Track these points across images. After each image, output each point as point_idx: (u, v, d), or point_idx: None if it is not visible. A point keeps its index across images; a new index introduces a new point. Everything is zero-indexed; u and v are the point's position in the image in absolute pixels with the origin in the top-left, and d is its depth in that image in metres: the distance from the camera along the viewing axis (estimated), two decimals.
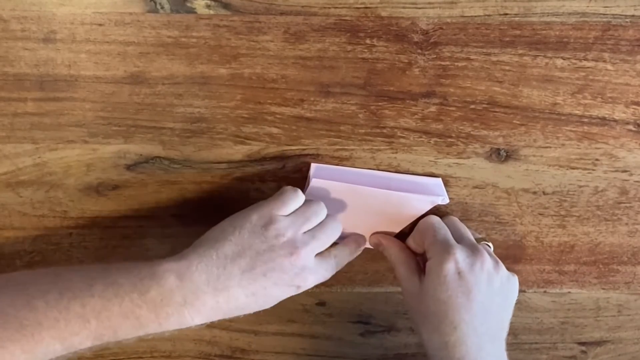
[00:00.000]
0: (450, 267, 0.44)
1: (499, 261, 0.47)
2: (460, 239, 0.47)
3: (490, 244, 0.50)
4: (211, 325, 0.54)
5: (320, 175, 0.47)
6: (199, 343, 0.55)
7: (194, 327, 0.41)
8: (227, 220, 0.44)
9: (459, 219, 0.51)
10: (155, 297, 0.39)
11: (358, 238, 0.50)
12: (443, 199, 0.48)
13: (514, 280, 0.47)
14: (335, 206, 0.48)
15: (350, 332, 0.57)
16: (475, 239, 0.48)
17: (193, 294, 0.40)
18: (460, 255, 0.45)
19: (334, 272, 0.46)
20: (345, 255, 0.48)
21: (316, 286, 0.54)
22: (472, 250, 0.45)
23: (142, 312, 0.39)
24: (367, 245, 0.51)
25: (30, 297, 0.38)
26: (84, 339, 0.38)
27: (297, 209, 0.45)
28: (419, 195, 0.47)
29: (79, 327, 0.38)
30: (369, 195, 0.47)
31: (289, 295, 0.43)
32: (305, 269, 0.42)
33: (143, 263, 0.40)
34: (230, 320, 0.53)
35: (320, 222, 0.45)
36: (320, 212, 0.45)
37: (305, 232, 0.43)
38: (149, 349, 0.54)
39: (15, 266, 0.51)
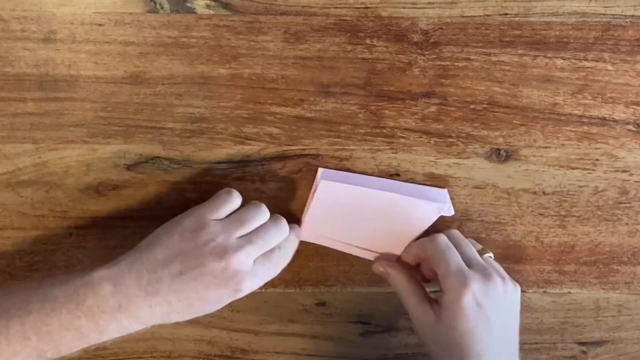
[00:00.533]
0: (469, 300, 0.44)
1: (505, 275, 0.47)
2: (469, 261, 0.46)
3: (491, 254, 0.49)
4: (211, 325, 0.54)
5: (328, 179, 0.47)
6: (199, 343, 0.55)
7: (135, 333, 0.41)
8: (161, 227, 0.44)
9: (460, 218, 0.51)
10: (92, 305, 0.39)
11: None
12: (449, 208, 0.48)
13: (518, 288, 0.47)
14: (343, 211, 0.48)
15: (350, 332, 0.57)
16: (479, 250, 0.48)
17: (127, 298, 0.40)
18: (476, 285, 0.44)
19: (280, 268, 0.46)
20: (293, 244, 0.48)
21: (316, 286, 0.54)
22: (484, 275, 0.45)
23: (81, 323, 0.39)
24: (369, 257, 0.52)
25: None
26: (26, 357, 0.39)
27: (233, 213, 0.44)
28: (426, 202, 0.47)
29: (20, 346, 0.38)
30: (377, 199, 0.47)
31: (231, 299, 0.43)
32: (239, 273, 0.42)
33: (78, 273, 0.41)
34: (231, 320, 0.53)
35: (261, 225, 0.44)
36: (259, 215, 0.44)
37: (240, 237, 0.43)
38: (148, 349, 0.54)
39: (15, 266, 0.51)
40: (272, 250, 0.45)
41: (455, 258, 0.46)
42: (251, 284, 0.43)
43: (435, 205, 0.47)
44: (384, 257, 0.51)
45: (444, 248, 0.46)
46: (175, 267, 0.41)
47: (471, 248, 0.48)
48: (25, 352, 0.38)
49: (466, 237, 0.49)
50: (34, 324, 0.38)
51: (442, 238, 0.47)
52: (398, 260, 0.51)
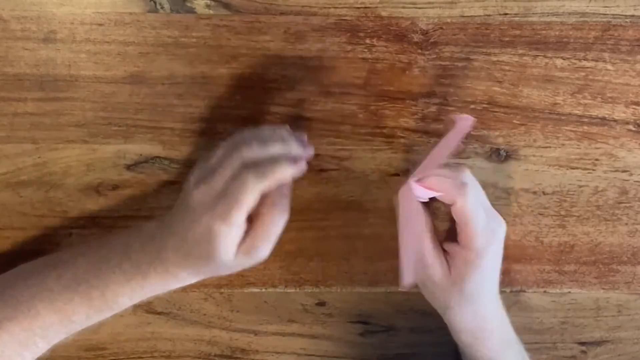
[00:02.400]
0: (497, 250, 0.43)
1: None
2: (486, 208, 0.43)
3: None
4: (211, 325, 0.54)
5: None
6: (198, 343, 0.55)
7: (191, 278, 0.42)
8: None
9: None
10: (137, 249, 0.41)
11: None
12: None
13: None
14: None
15: (350, 332, 0.57)
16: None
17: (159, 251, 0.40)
18: (502, 235, 0.43)
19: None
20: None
21: (316, 286, 0.54)
22: (498, 223, 0.43)
23: (126, 267, 0.41)
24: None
25: (27, 276, 0.42)
26: (77, 305, 0.41)
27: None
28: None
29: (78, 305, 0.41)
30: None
31: (223, 233, 0.38)
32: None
33: (137, 244, 0.42)
34: (231, 320, 0.53)
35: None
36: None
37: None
38: (148, 349, 0.54)
39: (15, 266, 0.51)
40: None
41: (482, 215, 0.42)
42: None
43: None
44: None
45: (473, 202, 0.42)
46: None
47: (483, 193, 0.44)
48: (75, 300, 0.41)
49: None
50: (86, 268, 0.41)
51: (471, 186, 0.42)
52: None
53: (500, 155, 0.49)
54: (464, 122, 0.42)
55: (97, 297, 0.41)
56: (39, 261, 0.44)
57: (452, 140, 0.43)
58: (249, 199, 0.37)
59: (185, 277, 0.41)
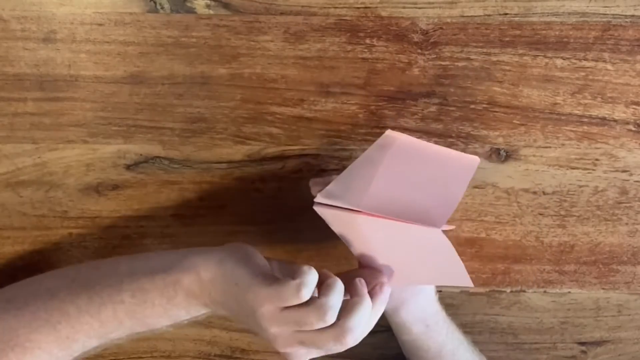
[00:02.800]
0: None
1: None
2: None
3: None
4: (211, 325, 0.54)
5: (326, 196, 0.41)
6: (198, 343, 0.55)
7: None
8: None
9: (461, 218, 0.51)
10: (181, 301, 0.40)
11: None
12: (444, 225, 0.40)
13: None
14: (409, 176, 0.42)
15: None
16: None
17: (213, 289, 0.39)
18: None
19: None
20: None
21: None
22: None
23: (173, 311, 0.40)
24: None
25: (61, 302, 0.41)
26: (120, 335, 0.42)
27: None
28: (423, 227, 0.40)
29: (113, 327, 0.41)
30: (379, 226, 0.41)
31: None
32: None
33: (163, 263, 0.41)
34: (231, 320, 0.53)
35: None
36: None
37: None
38: (149, 349, 0.54)
39: (15, 266, 0.51)
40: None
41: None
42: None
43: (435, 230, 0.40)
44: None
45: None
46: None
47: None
48: (119, 332, 0.41)
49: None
50: (128, 312, 0.40)
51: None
52: None
53: (500, 155, 0.49)
54: (391, 140, 0.43)
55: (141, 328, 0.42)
56: (69, 280, 0.43)
57: (376, 158, 0.42)
58: None
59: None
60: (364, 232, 0.42)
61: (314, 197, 0.41)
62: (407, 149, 0.43)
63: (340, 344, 0.37)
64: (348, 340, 0.37)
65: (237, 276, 0.38)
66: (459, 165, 0.43)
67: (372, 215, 0.40)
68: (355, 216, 0.41)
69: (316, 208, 0.41)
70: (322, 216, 0.42)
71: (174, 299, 0.40)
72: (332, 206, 0.41)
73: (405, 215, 0.40)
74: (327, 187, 0.41)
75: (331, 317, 0.36)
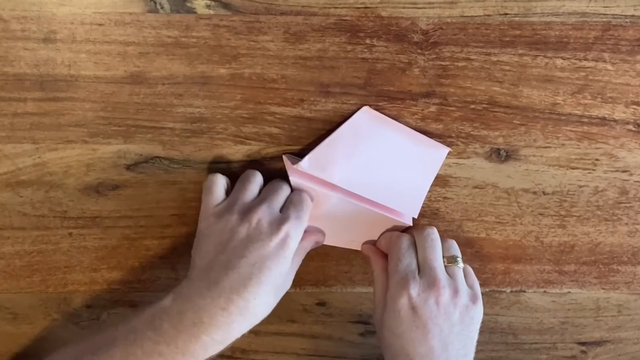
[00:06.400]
0: (403, 302, 0.44)
1: (460, 289, 0.45)
2: (423, 265, 0.45)
3: (460, 265, 0.47)
4: None
5: (301, 170, 0.46)
6: None
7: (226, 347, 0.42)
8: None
9: (461, 218, 0.51)
10: (168, 328, 0.40)
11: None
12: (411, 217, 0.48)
13: (476, 307, 0.45)
14: (365, 149, 0.47)
15: (350, 332, 0.57)
16: (451, 257, 0.47)
17: (196, 312, 0.40)
18: (414, 290, 0.44)
19: (306, 209, 0.46)
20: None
21: (316, 286, 0.54)
22: (429, 283, 0.44)
23: (162, 348, 0.40)
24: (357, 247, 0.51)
25: None
26: None
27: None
28: (389, 215, 0.48)
29: None
30: (345, 206, 0.47)
31: (287, 253, 0.42)
32: (270, 222, 0.43)
33: (155, 302, 0.42)
34: None
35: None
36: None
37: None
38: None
39: (15, 266, 0.51)
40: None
41: (407, 260, 0.46)
42: (291, 226, 0.43)
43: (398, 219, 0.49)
44: (372, 242, 0.51)
45: (401, 245, 0.47)
46: (221, 260, 0.41)
47: (433, 252, 0.46)
48: None
49: (458, 244, 0.49)
50: (121, 356, 0.40)
51: (406, 238, 0.47)
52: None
53: (500, 155, 0.49)
54: (367, 117, 0.46)
55: None
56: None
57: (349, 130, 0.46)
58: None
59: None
60: (329, 209, 0.47)
61: (286, 170, 0.46)
62: (383, 128, 0.47)
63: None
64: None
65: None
66: (430, 151, 0.48)
67: (348, 195, 0.46)
68: (331, 194, 0.46)
69: (292, 179, 0.46)
70: (298, 188, 0.47)
71: (161, 327, 0.40)
72: (307, 179, 0.46)
73: (378, 197, 0.47)
74: (305, 159, 0.45)
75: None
